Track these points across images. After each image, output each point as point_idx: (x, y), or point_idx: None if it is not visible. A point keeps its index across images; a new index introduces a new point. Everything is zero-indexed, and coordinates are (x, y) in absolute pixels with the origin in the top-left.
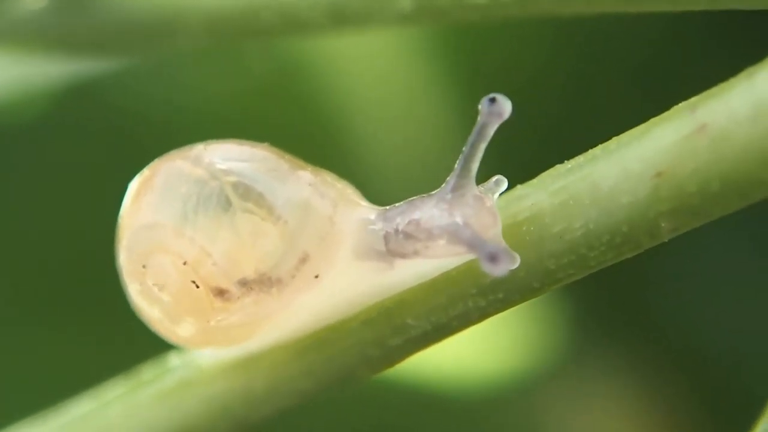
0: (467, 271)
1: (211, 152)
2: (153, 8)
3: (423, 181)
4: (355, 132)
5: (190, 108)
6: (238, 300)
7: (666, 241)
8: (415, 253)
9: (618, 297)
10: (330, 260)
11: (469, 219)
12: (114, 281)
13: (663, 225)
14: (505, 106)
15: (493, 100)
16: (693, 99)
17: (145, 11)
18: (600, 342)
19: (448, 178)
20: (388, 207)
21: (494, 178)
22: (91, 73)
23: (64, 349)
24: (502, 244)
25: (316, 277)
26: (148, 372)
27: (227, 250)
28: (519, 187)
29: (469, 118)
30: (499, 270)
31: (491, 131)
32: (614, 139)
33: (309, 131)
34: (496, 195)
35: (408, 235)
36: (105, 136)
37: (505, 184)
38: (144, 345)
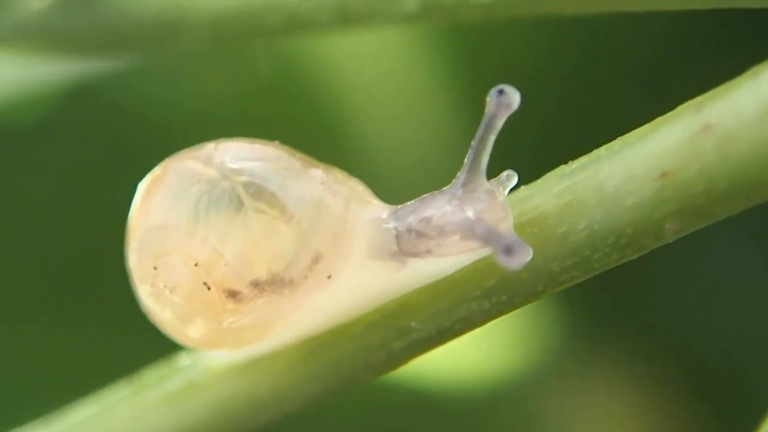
0: (471, 274)
1: (222, 151)
2: (157, 8)
3: (427, 178)
4: (358, 131)
5: (192, 109)
6: (250, 301)
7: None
8: (428, 252)
9: (619, 296)
10: (343, 260)
11: (482, 214)
12: (114, 281)
13: (668, 226)
14: (514, 97)
15: (501, 92)
16: (698, 98)
17: (150, 11)
18: (601, 342)
19: (458, 174)
20: (399, 205)
21: (505, 173)
22: (94, 74)
23: (65, 350)
24: (515, 236)
25: (329, 277)
26: (153, 374)
27: (239, 251)
28: (523, 187)
29: (472, 116)
30: (515, 262)
31: (500, 123)
32: (619, 139)
33: (312, 130)
34: (507, 189)
35: (420, 234)
36: (107, 137)
37: (515, 179)
38: (145, 345)
